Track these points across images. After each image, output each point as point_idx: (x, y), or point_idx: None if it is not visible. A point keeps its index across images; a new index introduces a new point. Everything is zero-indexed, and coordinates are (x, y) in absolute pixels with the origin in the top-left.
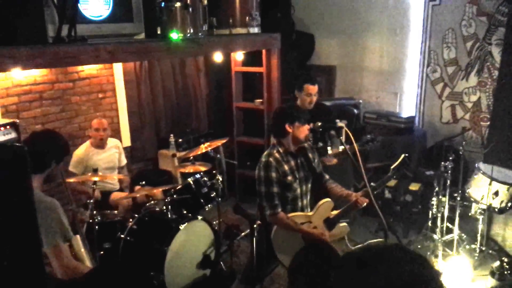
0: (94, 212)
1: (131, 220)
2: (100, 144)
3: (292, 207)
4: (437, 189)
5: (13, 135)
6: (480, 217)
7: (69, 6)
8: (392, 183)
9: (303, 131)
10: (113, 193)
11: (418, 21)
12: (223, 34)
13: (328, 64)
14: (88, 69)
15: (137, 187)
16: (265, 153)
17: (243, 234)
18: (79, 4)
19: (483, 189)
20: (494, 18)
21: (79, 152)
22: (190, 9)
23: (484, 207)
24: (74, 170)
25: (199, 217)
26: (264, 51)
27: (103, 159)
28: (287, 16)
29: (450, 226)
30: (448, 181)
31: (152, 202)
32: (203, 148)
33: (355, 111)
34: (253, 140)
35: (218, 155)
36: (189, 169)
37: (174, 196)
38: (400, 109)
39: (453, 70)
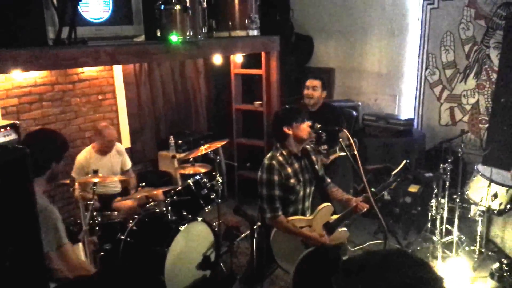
0: (95, 213)
1: (131, 221)
2: (105, 152)
3: (294, 209)
4: (436, 191)
5: (13, 136)
6: (479, 219)
7: (69, 9)
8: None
9: (303, 129)
10: (116, 199)
11: (416, 24)
12: (223, 36)
13: (327, 67)
14: (88, 71)
15: (139, 189)
16: (268, 155)
17: (243, 235)
18: (79, 7)
19: (482, 191)
20: (492, 21)
21: (81, 157)
22: (190, 12)
23: (483, 209)
24: (76, 176)
25: (199, 219)
26: (263, 54)
27: (106, 165)
28: (286, 18)
29: (449, 228)
30: (447, 183)
31: (152, 203)
32: (203, 149)
33: (354, 113)
34: (253, 142)
35: (218, 157)
36: (189, 170)
37: (174, 197)
38: (399, 111)
39: (452, 72)
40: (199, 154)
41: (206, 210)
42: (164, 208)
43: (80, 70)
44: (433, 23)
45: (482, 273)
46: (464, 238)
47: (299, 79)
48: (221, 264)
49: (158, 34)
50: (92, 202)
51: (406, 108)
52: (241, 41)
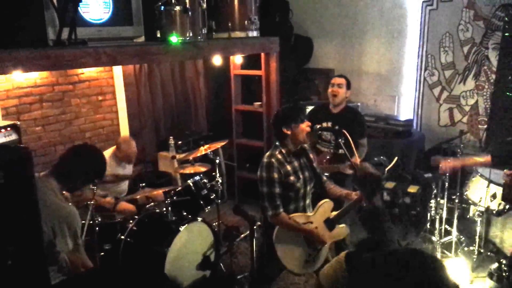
0: (94, 213)
1: (131, 221)
2: (127, 161)
3: (295, 207)
4: (435, 191)
5: (13, 137)
6: (478, 219)
7: (70, 10)
8: (391, 185)
9: (301, 130)
10: (121, 203)
11: (416, 26)
12: (222, 37)
13: (326, 68)
14: (88, 72)
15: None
16: (267, 154)
17: (242, 235)
18: (79, 7)
19: (481, 191)
20: (491, 22)
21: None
22: (190, 13)
23: (482, 209)
24: None
25: (199, 219)
26: (263, 55)
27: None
28: (286, 20)
29: (449, 228)
30: (446, 183)
31: (152, 203)
32: (203, 150)
33: None
34: (252, 143)
35: (218, 157)
36: (189, 171)
37: (174, 197)
38: (398, 112)
39: (451, 73)
40: (199, 154)
41: (206, 211)
42: (164, 209)
43: (80, 71)
44: (432, 24)
45: (481, 273)
46: (463, 238)
47: (299, 80)
48: (221, 264)
49: (158, 35)
50: (92, 202)
51: (405, 109)
52: (240, 42)
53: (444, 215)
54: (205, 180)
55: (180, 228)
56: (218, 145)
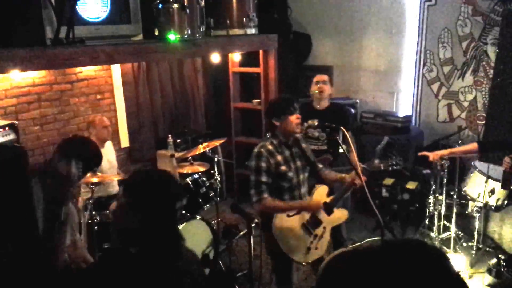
0: (93, 212)
1: None
2: (102, 143)
3: (290, 197)
4: (434, 187)
5: (12, 136)
6: (477, 215)
7: (67, 8)
8: (389, 181)
9: (291, 122)
10: (113, 204)
11: (414, 21)
12: (221, 35)
13: (325, 64)
14: (86, 71)
15: None
16: (259, 144)
17: (241, 233)
18: (77, 6)
19: (479, 187)
20: (490, 18)
21: None
22: (188, 10)
23: (481, 205)
24: None
25: (198, 217)
26: (261, 52)
27: (106, 156)
28: (284, 17)
29: (447, 224)
30: (445, 179)
31: None
32: (201, 148)
33: (352, 110)
34: (251, 140)
35: (216, 155)
36: (188, 169)
37: None
38: (396, 108)
39: (449, 69)
40: (197, 152)
41: (205, 209)
42: None
43: (78, 69)
44: (430, 20)
45: (480, 268)
46: (461, 234)
47: (297, 77)
48: (220, 262)
49: (156, 33)
50: (91, 201)
51: (404, 105)
52: (239, 40)
53: (443, 211)
54: (203, 178)
55: (179, 226)
56: (217, 143)
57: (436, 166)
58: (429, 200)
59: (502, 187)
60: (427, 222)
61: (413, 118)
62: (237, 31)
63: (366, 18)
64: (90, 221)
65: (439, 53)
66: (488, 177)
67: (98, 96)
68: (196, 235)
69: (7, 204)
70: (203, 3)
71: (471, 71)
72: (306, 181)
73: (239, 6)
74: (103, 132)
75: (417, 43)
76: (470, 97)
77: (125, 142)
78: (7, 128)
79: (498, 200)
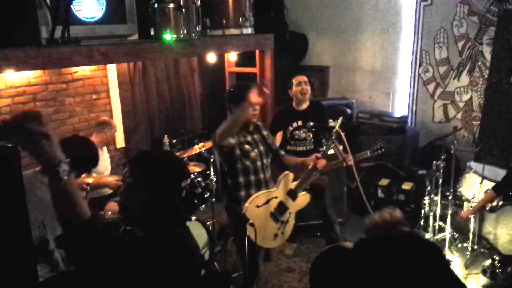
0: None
1: None
2: (105, 146)
3: (256, 179)
4: (429, 188)
5: None
6: (472, 216)
7: (63, 8)
8: (385, 182)
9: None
10: (109, 204)
11: (410, 21)
12: (217, 35)
13: (321, 64)
14: (82, 71)
15: None
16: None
17: None
18: (72, 6)
19: (474, 187)
20: (485, 18)
21: None
22: (184, 10)
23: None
24: None
25: (193, 218)
26: (257, 52)
27: (103, 160)
28: (280, 16)
29: (442, 224)
30: (440, 180)
31: None
32: (197, 148)
33: (348, 111)
34: None
35: (212, 156)
36: None
37: None
38: (392, 108)
39: (445, 69)
40: (193, 153)
41: (200, 209)
42: None
43: (73, 69)
44: (426, 20)
45: (475, 269)
46: (457, 235)
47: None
48: (215, 263)
49: (152, 33)
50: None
51: (400, 106)
52: (235, 39)
53: (438, 212)
54: (199, 179)
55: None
56: (209, 144)
57: (432, 167)
58: (425, 201)
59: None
60: (422, 223)
61: (409, 118)
62: (233, 31)
63: (362, 18)
64: None
65: (435, 53)
66: (483, 177)
67: (94, 96)
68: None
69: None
70: (199, 3)
71: (467, 71)
72: (269, 166)
73: (235, 6)
74: (114, 136)
75: (413, 43)
76: (466, 97)
77: (120, 142)
78: None
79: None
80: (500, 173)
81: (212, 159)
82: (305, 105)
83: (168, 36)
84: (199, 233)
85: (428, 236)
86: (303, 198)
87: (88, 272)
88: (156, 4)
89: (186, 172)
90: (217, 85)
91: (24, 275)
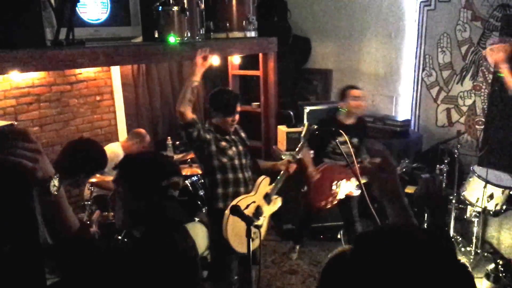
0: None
1: None
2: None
3: (234, 178)
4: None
5: None
6: (475, 220)
7: (67, 10)
8: None
9: (226, 122)
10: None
11: (413, 26)
12: (220, 38)
13: (324, 68)
14: (86, 72)
15: None
16: None
17: None
18: (77, 8)
19: (478, 192)
20: (489, 23)
21: (113, 149)
22: (187, 13)
23: (479, 209)
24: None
25: (196, 219)
26: (261, 55)
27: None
28: (284, 20)
29: (445, 228)
30: (444, 183)
31: None
32: None
33: None
34: (250, 143)
35: None
36: (186, 171)
37: None
38: (396, 112)
39: (448, 74)
40: None
41: (203, 211)
42: None
43: (78, 71)
44: (429, 24)
45: (478, 273)
46: (460, 239)
47: (297, 81)
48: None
49: (156, 35)
50: (89, 202)
51: (403, 109)
52: (238, 43)
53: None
54: (202, 181)
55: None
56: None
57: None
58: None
59: None
60: (425, 227)
61: (412, 122)
62: (236, 34)
63: (365, 22)
64: (88, 222)
65: (438, 57)
66: (487, 182)
67: (98, 98)
68: (194, 237)
69: (6, 205)
70: (203, 6)
71: (470, 75)
72: (248, 167)
73: (239, 9)
74: (141, 150)
75: (416, 48)
76: (469, 101)
77: None
78: None
79: (496, 205)
80: (503, 177)
81: None
82: (353, 120)
83: (172, 39)
84: (201, 235)
85: None
86: (276, 201)
87: (78, 281)
88: (160, 7)
89: (169, 171)
90: None
91: (32, 276)
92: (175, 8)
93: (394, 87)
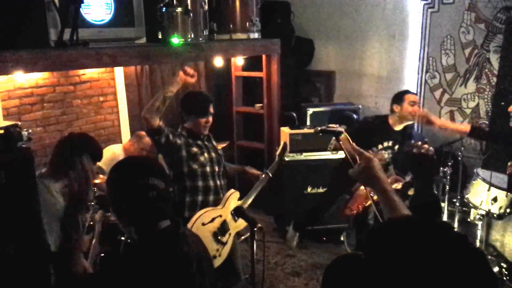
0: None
1: None
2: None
3: (205, 185)
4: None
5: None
6: (479, 223)
7: (71, 10)
8: None
9: (199, 123)
10: None
11: (417, 28)
12: (224, 39)
13: (327, 70)
14: (90, 73)
15: None
16: None
17: (243, 237)
18: (81, 9)
19: (481, 194)
20: (492, 25)
21: (114, 149)
22: (191, 14)
23: (483, 212)
24: (105, 167)
25: None
26: (264, 56)
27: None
28: (287, 21)
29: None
30: (447, 186)
31: None
32: None
33: (355, 116)
34: (253, 144)
35: None
36: None
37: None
38: None
39: (452, 76)
40: None
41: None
42: None
43: (81, 71)
44: (433, 26)
45: None
46: None
47: (300, 82)
48: None
49: (160, 37)
50: (92, 203)
51: None
52: (242, 44)
53: (445, 218)
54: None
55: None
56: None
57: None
58: None
59: (507, 191)
60: None
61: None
62: (240, 36)
63: (368, 24)
64: (91, 223)
65: (441, 59)
66: (491, 184)
67: (101, 98)
68: None
69: (12, 205)
70: (206, 7)
71: (473, 78)
72: (221, 175)
73: (242, 10)
74: (137, 151)
75: (420, 50)
76: (472, 104)
77: None
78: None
79: (500, 208)
80: (507, 180)
81: None
82: (403, 126)
83: (176, 40)
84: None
85: None
86: (243, 220)
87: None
88: (164, 8)
89: (145, 171)
90: (223, 89)
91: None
92: (179, 10)
93: (398, 89)
